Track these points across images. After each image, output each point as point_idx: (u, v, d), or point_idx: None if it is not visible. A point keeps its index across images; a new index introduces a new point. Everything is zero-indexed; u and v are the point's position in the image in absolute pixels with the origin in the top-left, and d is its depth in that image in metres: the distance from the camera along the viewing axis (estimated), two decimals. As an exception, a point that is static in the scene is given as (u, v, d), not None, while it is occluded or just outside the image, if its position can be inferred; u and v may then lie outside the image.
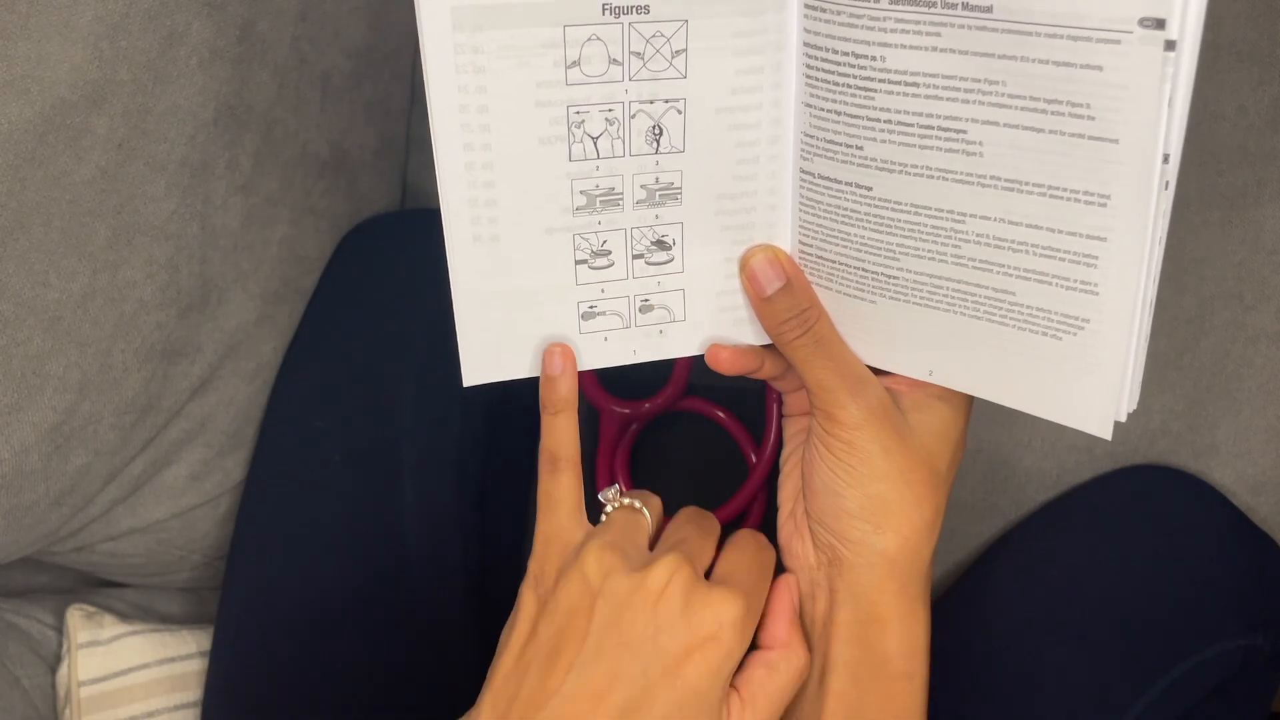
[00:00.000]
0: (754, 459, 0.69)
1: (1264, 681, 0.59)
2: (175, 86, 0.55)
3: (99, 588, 0.73)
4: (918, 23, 0.39)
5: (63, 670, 0.64)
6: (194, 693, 0.66)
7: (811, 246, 0.46)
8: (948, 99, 0.40)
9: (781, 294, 0.45)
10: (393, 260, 0.70)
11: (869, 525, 0.45)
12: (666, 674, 0.41)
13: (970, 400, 0.47)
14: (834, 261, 0.45)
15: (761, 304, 0.46)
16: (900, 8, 0.39)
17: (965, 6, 0.38)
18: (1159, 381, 0.64)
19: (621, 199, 0.44)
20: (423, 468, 0.63)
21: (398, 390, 0.65)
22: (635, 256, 0.45)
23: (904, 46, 0.39)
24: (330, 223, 0.69)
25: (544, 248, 0.44)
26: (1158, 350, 0.64)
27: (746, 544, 0.48)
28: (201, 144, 0.57)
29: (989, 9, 0.37)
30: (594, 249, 0.45)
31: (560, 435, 0.46)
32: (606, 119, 0.42)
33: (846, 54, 0.41)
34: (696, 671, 0.41)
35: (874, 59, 0.40)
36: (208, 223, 0.59)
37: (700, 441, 0.65)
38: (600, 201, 0.44)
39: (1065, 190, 0.39)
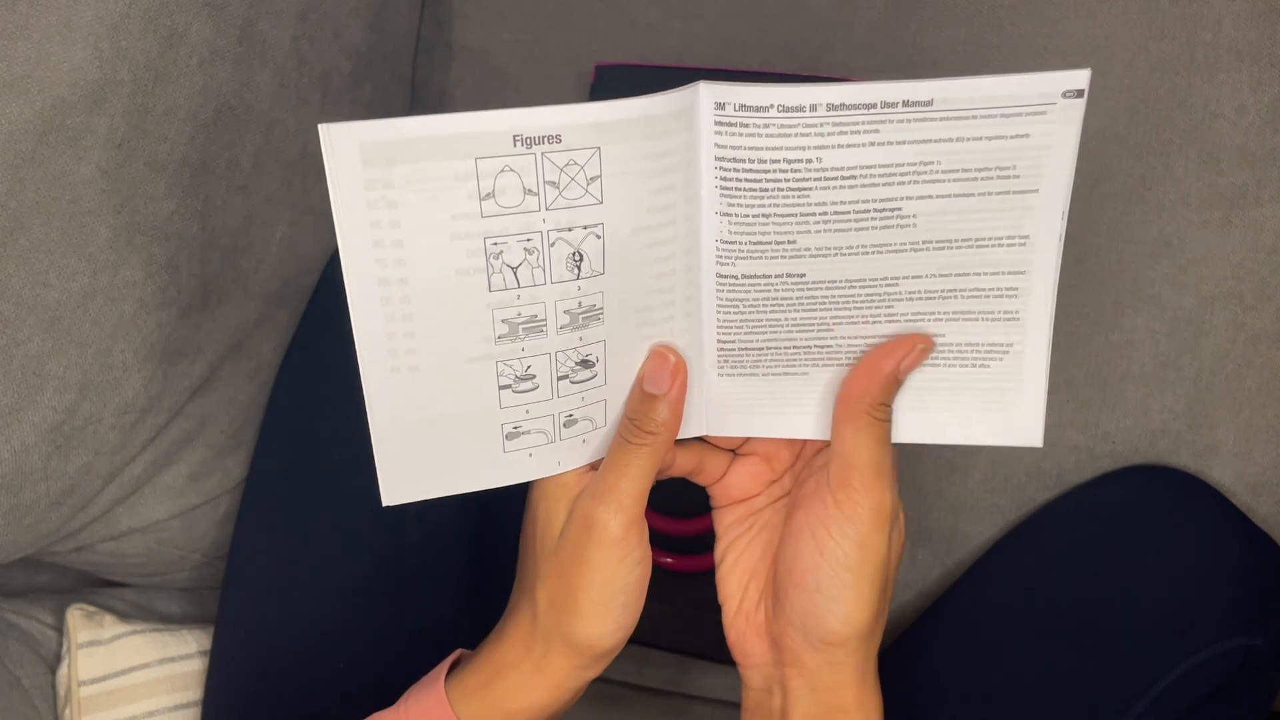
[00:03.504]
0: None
1: (1264, 681, 0.59)
2: (175, 86, 0.55)
3: (99, 587, 0.73)
4: (856, 123, 0.40)
5: (63, 670, 0.64)
6: (194, 693, 0.66)
7: (734, 341, 0.46)
8: (884, 184, 0.42)
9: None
10: (393, 260, 0.70)
11: (839, 620, 0.45)
12: None
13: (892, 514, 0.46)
14: (760, 349, 0.46)
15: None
16: (838, 113, 0.40)
17: (906, 104, 0.40)
18: (1159, 381, 0.64)
19: (545, 325, 0.43)
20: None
21: (398, 390, 0.64)
22: (560, 378, 0.45)
23: (841, 146, 0.41)
24: (330, 223, 0.69)
25: (466, 376, 0.43)
26: (1158, 350, 0.64)
27: None
28: (201, 144, 0.57)
29: (929, 103, 0.40)
30: (517, 374, 0.44)
31: None
32: (525, 248, 0.42)
33: (777, 161, 0.41)
34: None
35: (810, 161, 0.41)
36: (208, 223, 0.59)
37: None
38: (523, 329, 0.43)
39: (991, 239, 0.43)
